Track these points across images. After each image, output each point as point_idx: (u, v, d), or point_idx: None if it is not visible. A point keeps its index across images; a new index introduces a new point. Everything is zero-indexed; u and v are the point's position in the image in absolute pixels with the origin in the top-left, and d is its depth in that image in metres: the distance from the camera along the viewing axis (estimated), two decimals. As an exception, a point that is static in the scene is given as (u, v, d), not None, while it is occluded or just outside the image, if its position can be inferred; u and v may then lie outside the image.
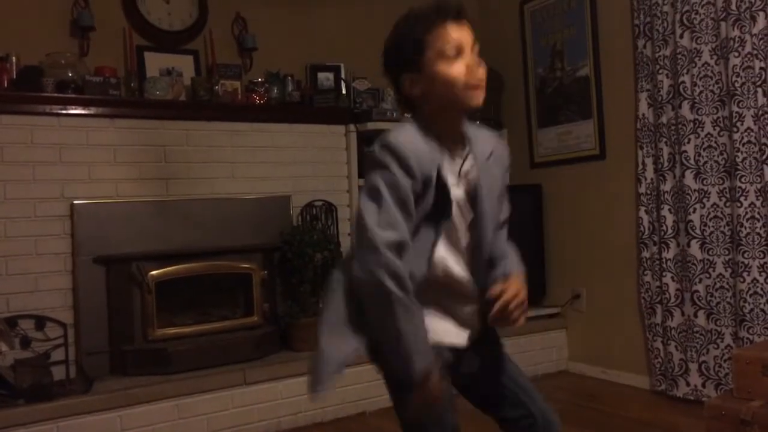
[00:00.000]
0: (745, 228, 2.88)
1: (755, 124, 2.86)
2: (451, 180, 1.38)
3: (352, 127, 3.73)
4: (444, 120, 1.40)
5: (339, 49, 3.88)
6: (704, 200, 3.03)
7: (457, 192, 1.40)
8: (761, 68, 2.83)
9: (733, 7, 2.89)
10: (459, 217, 1.41)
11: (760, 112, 2.84)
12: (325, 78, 3.84)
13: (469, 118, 1.47)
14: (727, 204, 2.97)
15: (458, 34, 1.36)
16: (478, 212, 1.43)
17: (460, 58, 1.35)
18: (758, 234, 2.85)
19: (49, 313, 2.94)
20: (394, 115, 3.78)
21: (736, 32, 2.89)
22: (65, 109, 3.04)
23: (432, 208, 1.34)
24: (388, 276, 1.25)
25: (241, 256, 3.32)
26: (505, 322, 1.40)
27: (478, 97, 1.38)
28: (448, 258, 1.40)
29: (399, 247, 1.28)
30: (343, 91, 3.82)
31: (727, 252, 2.97)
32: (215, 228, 3.34)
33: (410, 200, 1.30)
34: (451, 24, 1.36)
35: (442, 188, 1.34)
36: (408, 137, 1.33)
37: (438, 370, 1.29)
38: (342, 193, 3.73)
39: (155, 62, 3.42)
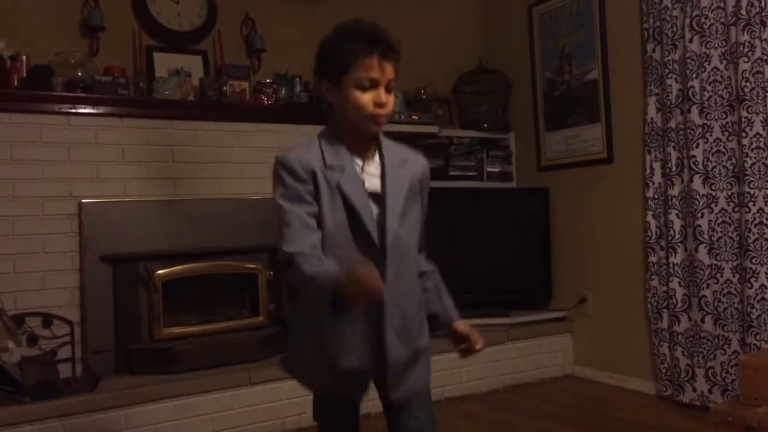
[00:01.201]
0: (753, 233, 2.86)
1: (764, 129, 2.85)
2: (350, 176, 1.55)
3: (359, 128, 3.73)
4: (350, 129, 1.58)
5: (347, 50, 3.87)
6: (712, 205, 3.02)
7: (369, 184, 1.58)
8: (771, 73, 2.82)
9: (743, 12, 2.88)
10: (364, 207, 1.54)
11: (770, 118, 2.82)
12: (333, 79, 3.84)
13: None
14: (736, 209, 2.96)
15: (378, 71, 1.52)
16: (384, 204, 1.57)
17: (371, 91, 1.52)
18: (766, 240, 2.84)
19: (56, 311, 2.96)
20: (401, 117, 3.79)
21: (746, 37, 2.87)
22: (74, 108, 3.06)
23: (331, 199, 1.53)
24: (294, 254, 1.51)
25: (247, 256, 3.33)
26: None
27: (375, 127, 1.57)
28: (346, 236, 1.54)
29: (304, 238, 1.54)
30: (351, 93, 3.81)
31: (735, 257, 2.96)
32: (222, 228, 3.35)
33: (303, 196, 1.52)
34: (376, 58, 1.51)
35: (329, 184, 1.53)
36: (292, 152, 1.56)
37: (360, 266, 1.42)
38: (349, 194, 3.73)
39: (164, 62, 3.44)
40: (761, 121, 2.85)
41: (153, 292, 3.05)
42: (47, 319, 2.92)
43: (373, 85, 1.52)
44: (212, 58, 3.57)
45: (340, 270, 1.42)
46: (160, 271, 3.07)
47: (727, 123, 2.98)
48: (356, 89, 1.52)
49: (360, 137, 1.60)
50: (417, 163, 1.67)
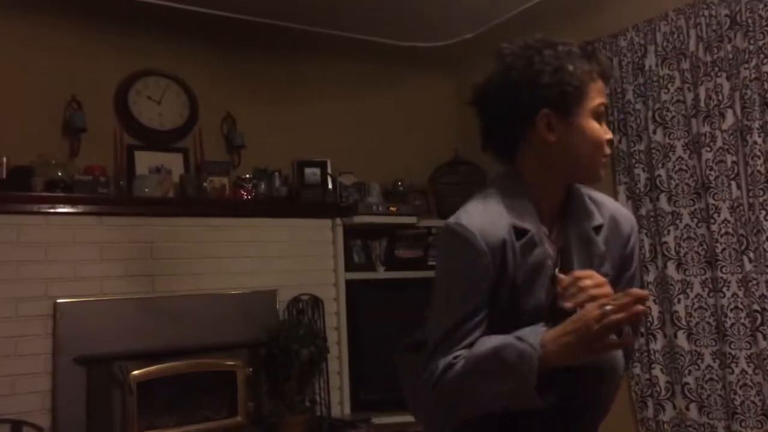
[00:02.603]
0: (730, 318, 2.88)
1: (731, 215, 2.92)
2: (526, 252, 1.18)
3: (338, 221, 3.78)
4: (554, 183, 1.24)
5: (326, 145, 3.98)
6: (688, 291, 3.05)
7: (547, 262, 1.21)
8: (733, 162, 2.92)
9: (702, 104, 3.01)
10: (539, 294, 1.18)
11: (736, 204, 2.90)
12: (312, 173, 3.92)
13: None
14: (711, 294, 2.99)
15: (603, 99, 1.22)
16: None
17: (602, 123, 1.23)
18: (743, 324, 2.86)
19: (27, 416, 2.85)
20: (380, 208, 3.84)
21: (706, 128, 3.00)
22: (53, 208, 3.07)
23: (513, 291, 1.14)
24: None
25: (226, 353, 3.27)
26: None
27: (601, 175, 1.24)
28: None
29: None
30: (330, 186, 3.89)
31: (714, 343, 2.97)
32: (201, 324, 3.31)
33: (474, 293, 1.14)
34: (604, 84, 1.22)
35: (523, 265, 1.16)
36: (472, 217, 1.17)
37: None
38: (329, 286, 3.73)
39: (145, 160, 3.49)
40: (728, 208, 2.93)
41: (128, 394, 2.97)
42: (16, 426, 2.81)
43: (602, 116, 1.22)
44: (193, 155, 3.64)
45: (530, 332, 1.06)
46: (136, 372, 3.00)
47: (695, 210, 3.06)
48: (593, 120, 1.20)
49: (557, 194, 1.24)
50: (617, 228, 1.29)
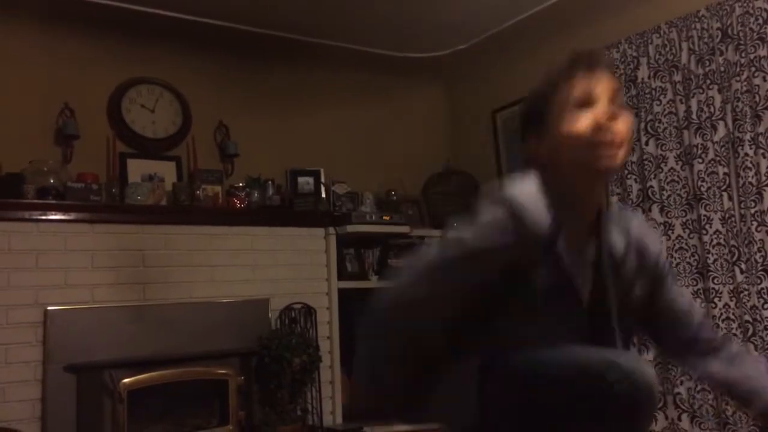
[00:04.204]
0: (722, 328, 2.89)
1: (723, 226, 2.94)
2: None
3: (331, 230, 3.77)
4: (568, 191, 1.16)
5: (319, 154, 3.99)
6: (680, 301, 3.07)
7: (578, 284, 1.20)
8: (725, 174, 2.94)
9: (694, 116, 3.04)
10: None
11: (727, 216, 2.92)
12: (305, 182, 3.92)
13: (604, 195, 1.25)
14: (703, 304, 3.00)
15: (586, 85, 1.15)
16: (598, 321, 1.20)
17: (587, 110, 1.14)
18: (735, 335, 2.87)
19: (16, 425, 2.82)
20: (373, 218, 3.84)
21: (698, 140, 3.02)
22: (45, 215, 3.05)
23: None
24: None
25: (218, 362, 3.26)
26: None
27: (610, 158, 1.12)
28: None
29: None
30: (323, 195, 3.89)
31: (705, 353, 2.98)
32: (192, 333, 3.29)
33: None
34: (580, 75, 1.16)
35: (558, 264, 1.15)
36: (526, 195, 1.05)
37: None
38: (321, 295, 3.72)
39: (138, 168, 3.48)
40: (719, 219, 2.95)
41: (118, 402, 2.94)
42: (5, 435, 2.79)
43: (587, 102, 1.16)
44: (186, 163, 3.63)
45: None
46: (126, 380, 2.98)
47: (687, 221, 3.08)
48: (565, 118, 1.16)
49: (577, 202, 1.21)
50: (642, 237, 1.30)
